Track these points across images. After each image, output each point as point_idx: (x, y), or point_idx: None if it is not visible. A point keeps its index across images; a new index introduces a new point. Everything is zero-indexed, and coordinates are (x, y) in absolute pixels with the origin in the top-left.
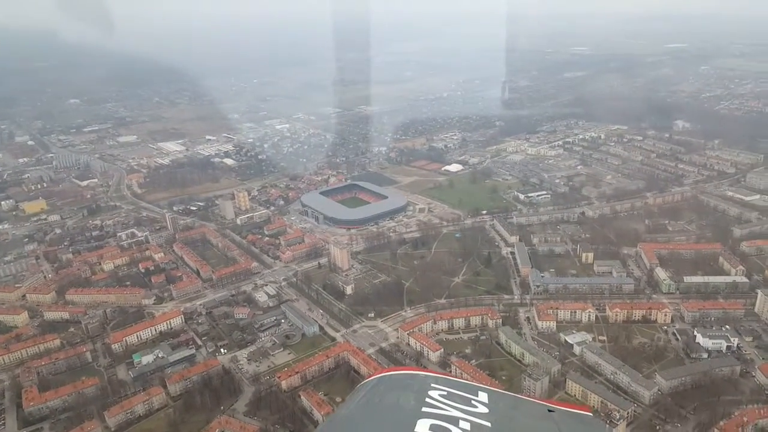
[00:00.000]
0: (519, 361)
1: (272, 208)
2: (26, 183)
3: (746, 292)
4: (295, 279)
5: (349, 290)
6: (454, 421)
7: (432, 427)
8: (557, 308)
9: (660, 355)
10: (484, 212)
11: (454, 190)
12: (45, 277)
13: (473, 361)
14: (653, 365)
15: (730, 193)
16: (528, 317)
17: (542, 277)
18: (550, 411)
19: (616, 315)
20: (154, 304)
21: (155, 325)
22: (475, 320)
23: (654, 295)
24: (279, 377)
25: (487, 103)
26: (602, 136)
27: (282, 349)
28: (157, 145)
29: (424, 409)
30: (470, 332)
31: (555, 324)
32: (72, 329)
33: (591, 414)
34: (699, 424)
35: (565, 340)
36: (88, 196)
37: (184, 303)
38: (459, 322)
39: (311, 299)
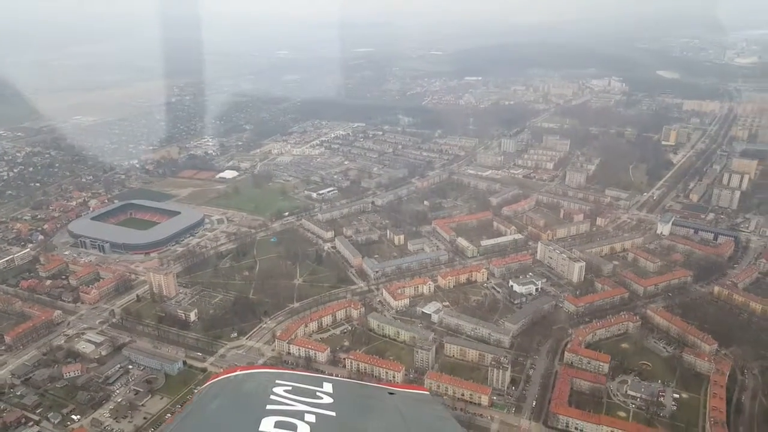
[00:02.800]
0: (394, 340)
1: (30, 245)
2: None
3: (523, 245)
4: (116, 320)
5: (192, 316)
6: (300, 415)
7: (277, 423)
8: (404, 287)
9: (494, 307)
10: (287, 214)
11: (242, 196)
12: None
13: (359, 351)
14: (494, 315)
15: (471, 171)
16: (380, 300)
17: (375, 263)
18: (390, 393)
19: (448, 282)
20: None
21: None
22: (340, 314)
23: (462, 261)
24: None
25: (223, 107)
26: (350, 134)
27: (150, 396)
28: None
29: (268, 406)
30: (339, 326)
31: (408, 301)
32: None
33: (428, 392)
34: (550, 350)
35: (422, 312)
36: None
37: None
38: (327, 320)
39: (152, 336)
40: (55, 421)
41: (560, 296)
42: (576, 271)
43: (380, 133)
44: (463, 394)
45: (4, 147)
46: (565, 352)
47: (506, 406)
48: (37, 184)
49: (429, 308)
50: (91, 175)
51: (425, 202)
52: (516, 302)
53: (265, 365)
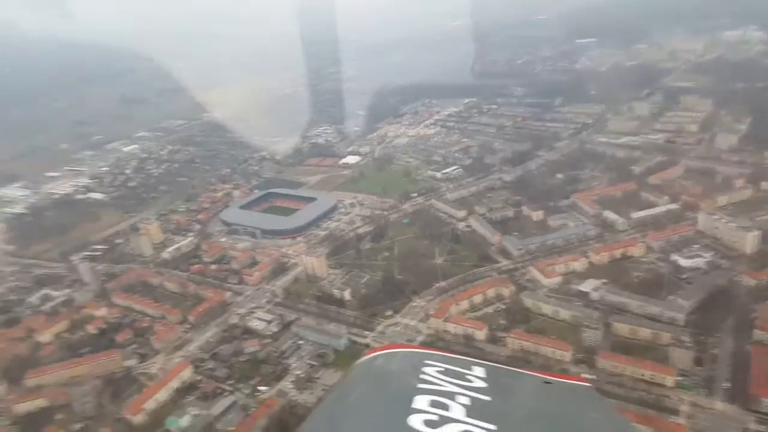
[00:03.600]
0: (553, 319)
1: (190, 234)
2: None
3: (679, 216)
4: (279, 299)
5: (347, 295)
6: (452, 396)
7: (431, 402)
8: (554, 264)
9: (658, 283)
10: (414, 195)
11: (368, 180)
12: None
13: (518, 330)
14: (661, 292)
15: (603, 139)
16: (528, 279)
17: (516, 240)
18: (546, 383)
19: (602, 258)
20: (139, 363)
21: (167, 384)
22: (490, 293)
23: (612, 235)
24: None
25: (334, 95)
26: (463, 110)
27: (324, 369)
28: None
29: (420, 385)
30: (489, 305)
31: (560, 278)
32: (60, 416)
33: (588, 385)
34: (734, 328)
35: (579, 289)
36: None
37: (171, 354)
38: (477, 299)
39: (313, 314)
40: (246, 392)
41: (734, 269)
42: (749, 242)
43: (494, 106)
44: (642, 375)
45: (149, 147)
46: (754, 330)
47: (695, 388)
48: (184, 179)
49: (586, 286)
50: (228, 167)
51: (558, 175)
52: (684, 277)
53: (412, 344)
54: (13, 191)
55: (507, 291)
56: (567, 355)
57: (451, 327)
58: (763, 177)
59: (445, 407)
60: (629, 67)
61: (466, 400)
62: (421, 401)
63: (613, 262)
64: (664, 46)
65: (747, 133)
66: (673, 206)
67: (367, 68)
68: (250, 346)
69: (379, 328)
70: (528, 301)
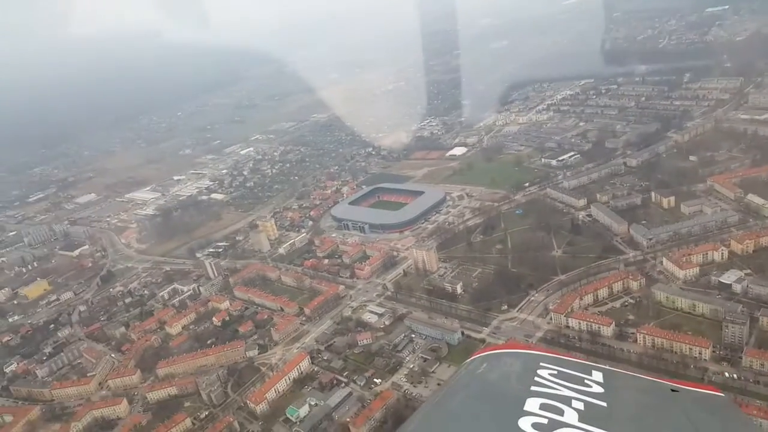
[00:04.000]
0: (689, 313)
1: (303, 230)
2: (6, 267)
3: None
4: (390, 293)
5: (459, 289)
6: (566, 400)
7: (543, 405)
8: (689, 254)
9: None
10: (527, 184)
11: (476, 171)
12: (112, 359)
13: (649, 325)
14: None
15: (743, 116)
16: (660, 270)
17: (644, 229)
18: (673, 390)
19: (746, 247)
20: (259, 354)
21: (287, 375)
22: (617, 286)
23: (758, 221)
24: None
25: (438, 86)
26: (579, 92)
27: (438, 363)
28: (125, 197)
29: (533, 387)
30: (616, 299)
31: (698, 270)
32: (188, 403)
33: (723, 395)
34: None
35: (719, 281)
36: (89, 264)
37: (289, 345)
38: (602, 293)
39: (424, 308)
40: (361, 384)
41: None
42: None
43: (614, 86)
44: None
45: (263, 149)
46: None
47: None
48: (296, 177)
49: (728, 277)
50: (337, 165)
51: (691, 158)
52: None
53: (527, 345)
54: (145, 194)
55: (636, 284)
56: (706, 353)
57: (575, 322)
58: None
59: (559, 411)
60: None
61: (580, 405)
62: (533, 404)
63: (758, 251)
64: None
65: None
66: None
67: (472, 56)
68: (364, 339)
69: (494, 323)
70: (660, 295)
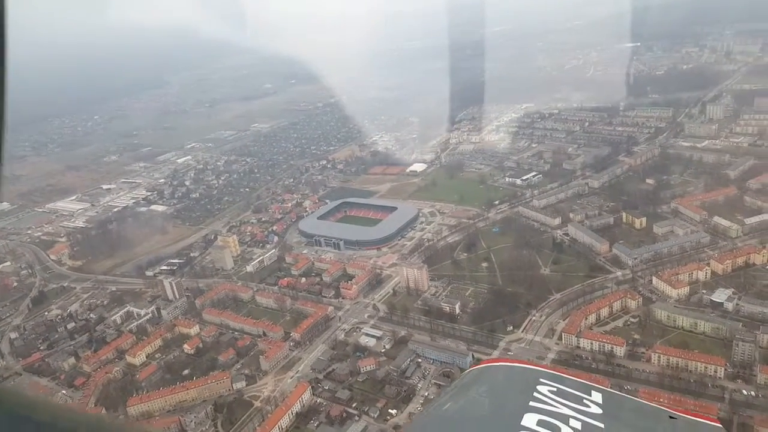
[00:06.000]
0: (691, 331)
1: (268, 246)
2: None
3: None
4: (384, 313)
5: (457, 309)
6: (564, 418)
7: (540, 422)
8: (677, 274)
9: None
10: (497, 202)
11: (441, 188)
12: (65, 396)
13: (659, 344)
14: None
15: (684, 143)
16: (651, 290)
17: (627, 249)
18: (671, 418)
19: (725, 267)
20: (248, 385)
21: (290, 409)
22: (616, 305)
23: (723, 242)
24: None
25: (380, 103)
26: (523, 116)
27: None
28: (46, 207)
29: (531, 403)
30: (616, 318)
31: (688, 289)
32: None
33: (720, 426)
34: None
35: (711, 300)
36: (14, 284)
37: (280, 374)
38: (604, 312)
39: (424, 330)
40: (375, 416)
41: None
42: None
43: (556, 111)
44: None
45: (204, 158)
46: None
47: None
48: (247, 189)
49: (719, 296)
50: (291, 177)
51: (648, 180)
52: None
53: (525, 360)
54: (70, 204)
55: (634, 303)
56: (721, 371)
57: (586, 343)
58: None
59: (557, 429)
60: (687, 70)
61: (578, 425)
62: (530, 419)
63: (736, 271)
64: (718, 49)
65: None
66: None
67: (412, 76)
68: (367, 365)
69: (502, 344)
70: (661, 314)
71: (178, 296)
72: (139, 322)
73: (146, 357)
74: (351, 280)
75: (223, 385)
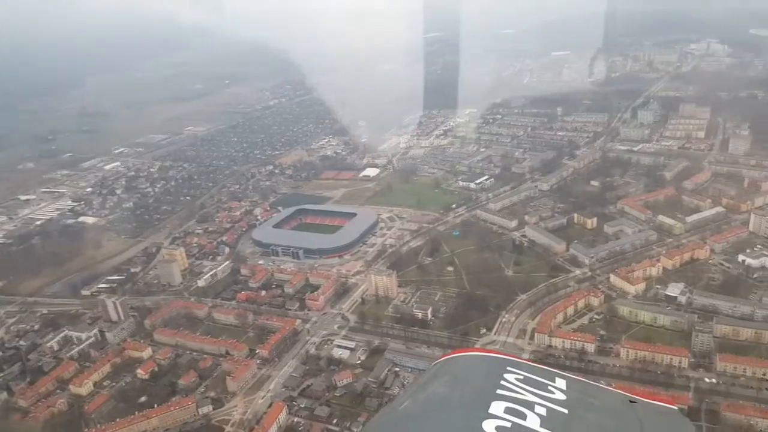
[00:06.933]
0: (651, 325)
1: (219, 257)
2: None
3: (723, 218)
4: (355, 323)
5: (429, 315)
6: (530, 405)
7: (507, 409)
8: (633, 271)
9: (732, 284)
10: (454, 206)
11: (397, 192)
12: None
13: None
14: (739, 292)
15: (621, 147)
16: (609, 287)
17: (584, 248)
18: (632, 402)
19: (675, 262)
20: (215, 409)
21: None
22: (581, 303)
23: (668, 240)
24: None
25: (325, 106)
26: (469, 121)
27: None
28: None
29: (498, 391)
30: (581, 316)
31: (644, 284)
32: None
33: (676, 408)
34: None
35: (666, 294)
36: None
37: (250, 395)
38: (569, 310)
39: (398, 338)
40: (357, 431)
41: None
42: None
43: (499, 116)
44: (764, 374)
45: (134, 163)
46: None
47: None
48: (188, 198)
49: (672, 290)
50: (237, 183)
51: (592, 182)
52: (754, 276)
53: (492, 349)
54: None
55: (596, 301)
56: (685, 361)
57: (558, 341)
58: None
59: (522, 416)
60: (616, 78)
61: (543, 411)
62: (497, 407)
63: (684, 266)
64: (641, 58)
65: (753, 138)
66: (721, 209)
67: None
68: (343, 378)
69: (477, 347)
70: (623, 309)
71: (123, 317)
72: (81, 347)
73: (94, 386)
74: (316, 290)
75: (187, 411)
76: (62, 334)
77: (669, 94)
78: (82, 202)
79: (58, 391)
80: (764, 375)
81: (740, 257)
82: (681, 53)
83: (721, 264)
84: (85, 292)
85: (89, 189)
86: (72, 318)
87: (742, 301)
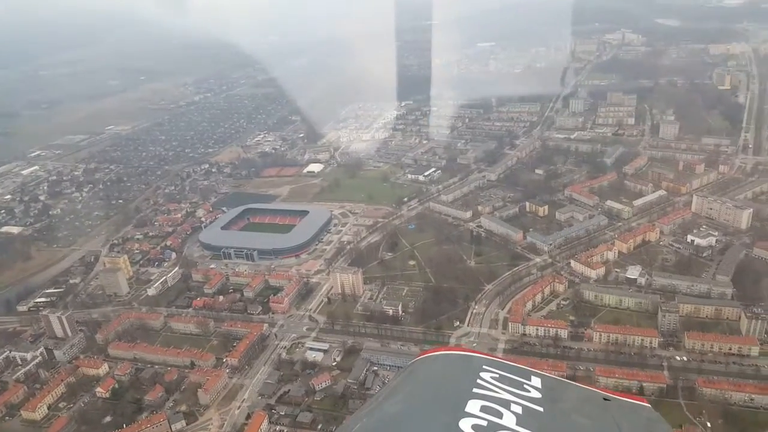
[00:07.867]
0: (616, 308)
1: (165, 263)
2: None
3: (666, 200)
4: (324, 324)
5: (400, 311)
6: (506, 403)
7: (483, 408)
8: (591, 256)
9: (687, 262)
10: (406, 199)
11: (345, 188)
12: None
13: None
14: (692, 271)
15: (558, 135)
16: (570, 272)
17: (541, 236)
18: (605, 399)
19: (628, 246)
20: (189, 424)
21: None
22: (547, 290)
23: (618, 223)
24: None
25: (253, 101)
26: (406, 113)
27: None
28: None
29: (475, 390)
30: (549, 302)
31: (604, 269)
32: None
33: (648, 405)
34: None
35: (626, 277)
36: None
37: (224, 406)
38: (537, 298)
39: (371, 336)
40: None
41: (744, 244)
42: (744, 219)
43: (435, 108)
44: (730, 349)
45: (55, 167)
46: None
47: None
48: (120, 201)
49: (632, 273)
50: (172, 184)
51: (537, 171)
52: (704, 255)
53: (468, 348)
54: None
55: (561, 287)
56: (655, 341)
57: (531, 329)
58: (720, 161)
59: (499, 414)
60: (541, 68)
61: (518, 409)
62: (473, 406)
63: (638, 248)
64: (563, 49)
65: (680, 124)
66: (663, 192)
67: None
68: (321, 382)
69: (452, 340)
70: (589, 294)
71: (70, 332)
72: (27, 368)
73: (48, 409)
74: (278, 292)
75: (160, 428)
76: (3, 355)
77: (595, 83)
78: (2, 211)
79: (7, 417)
80: (730, 350)
81: (689, 237)
82: (599, 43)
83: (671, 245)
84: (21, 308)
85: (8, 196)
86: (10, 336)
87: (698, 280)
